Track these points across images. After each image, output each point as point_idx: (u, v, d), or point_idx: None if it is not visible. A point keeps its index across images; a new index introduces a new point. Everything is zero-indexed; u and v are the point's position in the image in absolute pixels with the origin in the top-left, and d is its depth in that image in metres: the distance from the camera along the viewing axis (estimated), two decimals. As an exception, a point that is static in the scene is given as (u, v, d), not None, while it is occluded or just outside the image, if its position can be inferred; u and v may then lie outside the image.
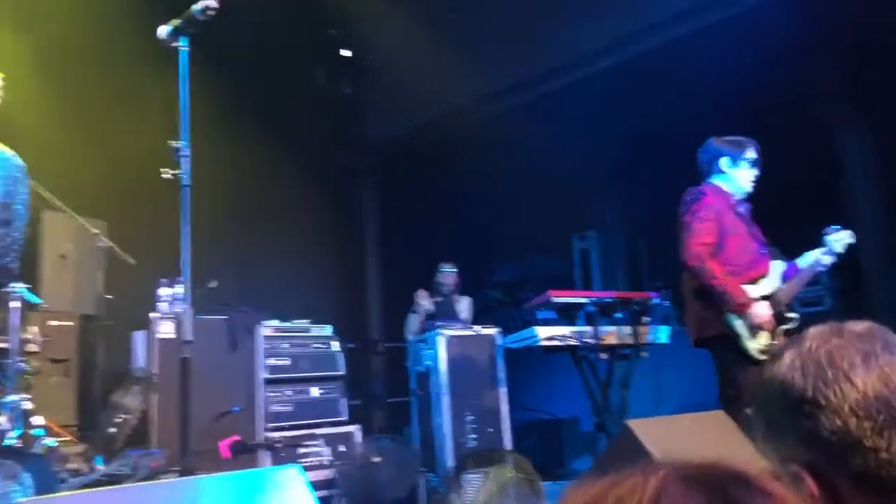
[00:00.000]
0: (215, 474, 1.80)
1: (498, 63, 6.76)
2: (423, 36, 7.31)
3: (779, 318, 3.79)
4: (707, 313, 3.79)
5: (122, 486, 2.51)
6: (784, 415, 0.93)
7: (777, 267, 3.95)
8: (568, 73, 6.32)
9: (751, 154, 3.93)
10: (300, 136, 7.38)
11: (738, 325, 3.70)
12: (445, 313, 6.42)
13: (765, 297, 3.80)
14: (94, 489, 2.41)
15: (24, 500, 1.57)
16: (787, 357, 0.95)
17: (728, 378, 3.76)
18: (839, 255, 3.91)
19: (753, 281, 3.83)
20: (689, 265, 3.75)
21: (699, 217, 3.78)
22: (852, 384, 0.88)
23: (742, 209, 3.96)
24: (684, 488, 0.64)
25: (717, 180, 3.97)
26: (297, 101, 7.40)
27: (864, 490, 0.85)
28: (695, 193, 3.88)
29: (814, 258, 3.93)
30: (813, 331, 0.98)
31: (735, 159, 3.94)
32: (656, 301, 5.18)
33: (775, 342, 3.75)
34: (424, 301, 6.51)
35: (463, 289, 6.73)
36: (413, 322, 6.53)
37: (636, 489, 0.65)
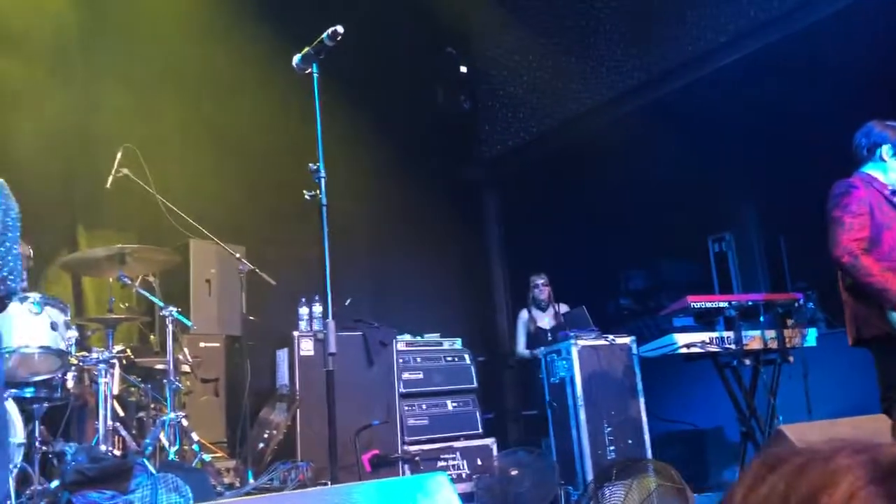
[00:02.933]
0: (367, 482, 1.83)
1: (617, 65, 6.64)
2: (538, 46, 7.30)
3: None
4: (866, 312, 3.54)
5: (280, 493, 2.60)
6: None
7: None
8: (691, 69, 6.11)
9: None
10: (424, 154, 7.51)
11: None
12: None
13: None
14: (254, 496, 2.51)
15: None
16: None
17: (891, 380, 3.50)
18: None
19: None
20: (842, 263, 3.52)
21: (851, 211, 3.54)
22: None
23: None
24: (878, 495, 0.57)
25: (871, 169, 3.70)
26: (419, 120, 7.54)
27: None
28: (844, 186, 3.64)
29: None
30: None
31: (893, 148, 3.68)
32: (801, 302, 4.91)
33: None
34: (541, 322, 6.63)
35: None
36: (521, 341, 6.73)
37: (824, 488, 0.59)
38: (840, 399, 5.22)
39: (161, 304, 4.48)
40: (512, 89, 7.65)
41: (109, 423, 4.08)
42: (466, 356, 6.03)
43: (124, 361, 4.47)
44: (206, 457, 4.20)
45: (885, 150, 3.68)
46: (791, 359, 4.75)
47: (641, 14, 6.39)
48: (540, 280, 6.76)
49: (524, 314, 6.85)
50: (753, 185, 6.90)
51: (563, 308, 6.67)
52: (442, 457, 5.46)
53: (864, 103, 4.27)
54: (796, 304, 4.89)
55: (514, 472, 5.15)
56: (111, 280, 4.63)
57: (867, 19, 5.05)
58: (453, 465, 5.50)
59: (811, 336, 4.90)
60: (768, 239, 7.04)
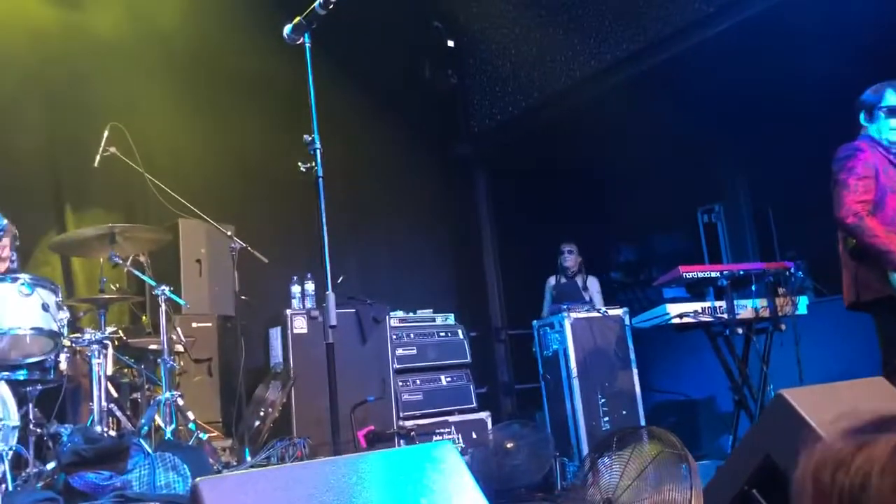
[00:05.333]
0: (372, 452, 1.83)
1: (605, 36, 6.60)
2: (524, 18, 7.23)
3: None
4: (867, 274, 3.56)
5: (287, 465, 2.59)
6: None
7: None
8: (681, 40, 6.07)
9: (889, 101, 3.65)
10: (414, 129, 7.46)
11: None
12: (570, 295, 6.34)
13: None
14: (261, 468, 2.51)
15: (201, 479, 1.64)
16: None
17: (893, 344, 3.52)
18: None
19: None
20: (846, 223, 3.52)
21: (856, 173, 3.55)
22: None
23: None
24: None
25: (873, 132, 3.72)
26: (407, 95, 7.48)
27: None
28: (850, 149, 3.64)
29: None
30: None
31: (870, 112, 3.70)
32: (792, 271, 4.93)
33: None
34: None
35: (587, 270, 6.64)
36: (546, 307, 6.59)
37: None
38: (831, 366, 5.27)
39: (153, 283, 4.44)
40: (499, 63, 7.59)
41: (104, 404, 4.05)
42: (459, 331, 6.03)
43: (116, 342, 4.44)
44: (203, 435, 4.19)
45: (861, 117, 3.75)
46: (783, 327, 4.79)
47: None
48: (566, 248, 6.60)
49: (551, 280, 6.71)
50: (742, 156, 6.90)
51: (592, 281, 6.59)
52: (437, 431, 5.48)
53: (856, 73, 4.23)
54: (787, 273, 4.91)
55: (509, 445, 5.18)
56: (101, 260, 4.58)
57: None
58: (449, 439, 5.52)
59: (802, 304, 4.94)
60: (757, 210, 7.06)
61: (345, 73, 6.56)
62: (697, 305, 4.81)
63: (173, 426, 4.09)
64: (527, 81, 7.35)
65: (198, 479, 1.61)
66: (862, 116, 3.74)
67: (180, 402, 4.17)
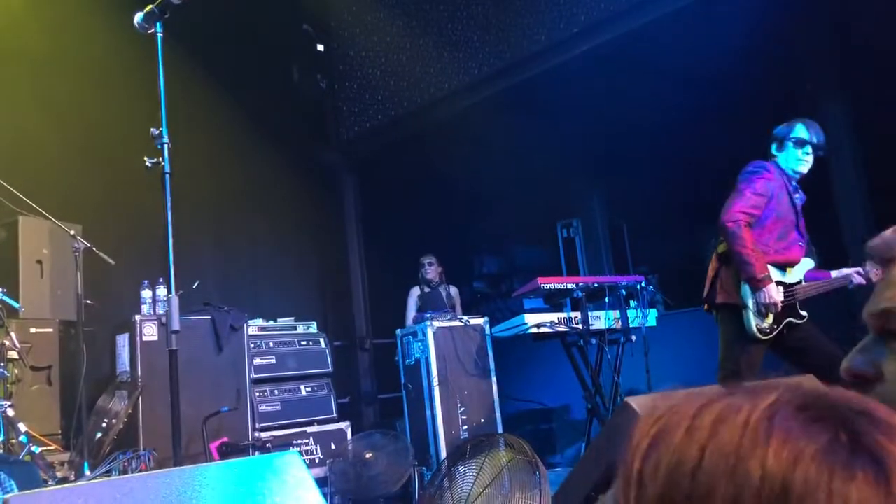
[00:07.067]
0: (214, 463, 1.74)
1: (474, 51, 6.71)
2: (398, 28, 7.25)
3: (789, 309, 3.77)
4: (726, 279, 3.79)
5: (119, 477, 2.44)
6: None
7: (806, 263, 3.94)
8: (546, 59, 6.25)
9: (798, 133, 3.88)
10: (279, 133, 7.28)
11: (751, 299, 3.69)
12: (435, 304, 6.38)
13: (784, 284, 3.80)
14: (96, 481, 2.34)
15: (12, 495, 1.50)
16: None
17: (730, 351, 3.75)
18: (871, 282, 3.92)
19: (781, 266, 3.83)
20: (727, 226, 3.71)
21: (755, 188, 3.77)
22: None
23: (798, 198, 3.93)
24: (800, 416, 0.55)
25: (782, 160, 3.93)
26: (275, 98, 7.30)
27: None
28: (759, 166, 3.86)
29: (846, 273, 3.98)
30: None
31: (781, 142, 3.92)
32: (643, 285, 5.17)
33: (777, 328, 3.74)
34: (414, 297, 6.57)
35: (448, 279, 6.70)
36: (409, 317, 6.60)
37: (741, 408, 0.55)
38: (677, 375, 5.55)
39: (-17, 284, 4.09)
40: (370, 70, 7.56)
41: (-79, 415, 3.68)
42: (322, 340, 5.93)
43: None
44: (36, 449, 3.88)
45: (772, 146, 3.96)
46: (633, 338, 5.01)
47: (498, 1, 6.47)
48: (426, 260, 6.66)
49: (415, 290, 6.72)
50: (600, 174, 7.18)
51: (454, 290, 6.66)
52: (295, 442, 5.35)
53: (707, 101, 4.51)
54: (639, 287, 5.15)
55: (368, 455, 5.12)
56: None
57: (713, 17, 5.34)
58: (307, 451, 5.40)
59: (652, 317, 5.19)
60: (613, 226, 7.37)
61: (208, 71, 6.35)
62: (554, 316, 4.96)
63: (2, 439, 3.77)
64: (396, 90, 7.35)
65: (8, 495, 1.47)
66: (773, 146, 3.95)
67: (10, 412, 3.85)
